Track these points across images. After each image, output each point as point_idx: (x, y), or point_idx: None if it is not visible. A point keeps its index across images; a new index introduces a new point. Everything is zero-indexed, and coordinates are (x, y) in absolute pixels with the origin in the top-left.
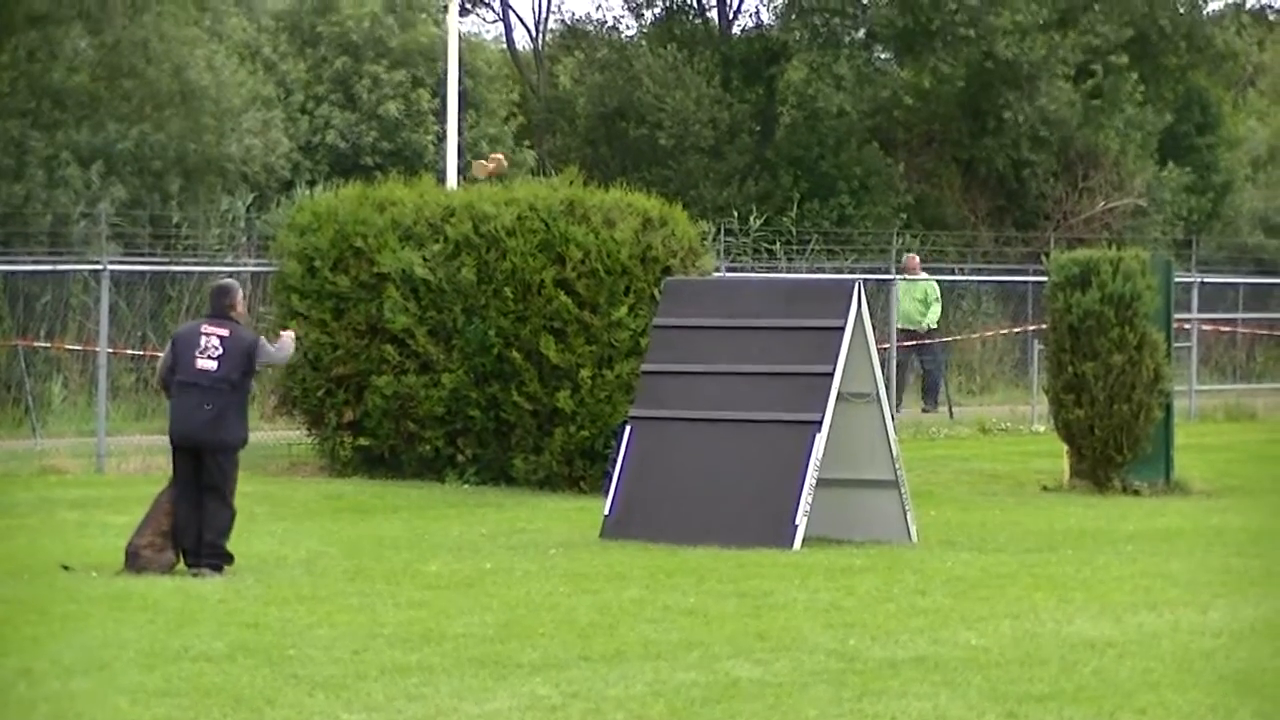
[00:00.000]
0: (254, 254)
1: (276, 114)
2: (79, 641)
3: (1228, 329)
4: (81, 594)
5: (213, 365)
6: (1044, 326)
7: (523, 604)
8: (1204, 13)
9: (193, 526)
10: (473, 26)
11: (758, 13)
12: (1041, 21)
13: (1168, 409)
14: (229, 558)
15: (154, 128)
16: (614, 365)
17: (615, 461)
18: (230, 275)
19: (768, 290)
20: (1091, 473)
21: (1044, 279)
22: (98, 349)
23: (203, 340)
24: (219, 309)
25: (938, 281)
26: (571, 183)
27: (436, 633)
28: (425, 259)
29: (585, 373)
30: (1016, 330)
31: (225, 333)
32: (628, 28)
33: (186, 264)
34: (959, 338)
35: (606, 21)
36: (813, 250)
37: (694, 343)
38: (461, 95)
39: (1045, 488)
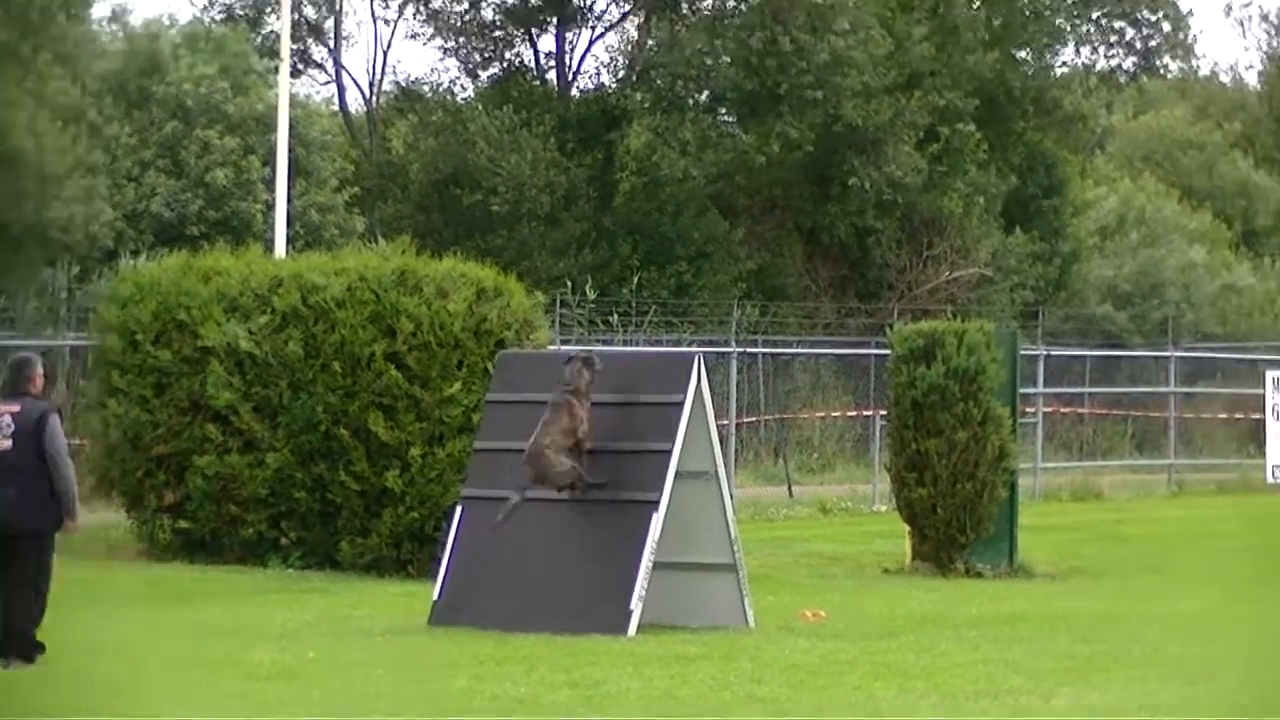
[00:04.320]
0: (74, 327)
1: (101, 181)
2: None
3: (1075, 406)
4: None
5: (7, 444)
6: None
7: (345, 695)
8: (1052, 74)
9: (4, 616)
10: (305, 88)
11: (598, 74)
12: (887, 84)
13: (1012, 488)
14: (40, 647)
15: None
16: (445, 443)
17: (445, 544)
18: (49, 349)
19: (604, 364)
20: (934, 554)
21: (887, 352)
22: None
23: None
24: (14, 385)
25: (773, 355)
26: (403, 251)
27: None
28: (251, 332)
29: (415, 451)
30: (865, 412)
31: (16, 409)
32: (463, 89)
33: (2, 338)
34: (801, 415)
35: (441, 83)
36: (651, 322)
37: (528, 419)
38: (292, 162)
39: (886, 570)
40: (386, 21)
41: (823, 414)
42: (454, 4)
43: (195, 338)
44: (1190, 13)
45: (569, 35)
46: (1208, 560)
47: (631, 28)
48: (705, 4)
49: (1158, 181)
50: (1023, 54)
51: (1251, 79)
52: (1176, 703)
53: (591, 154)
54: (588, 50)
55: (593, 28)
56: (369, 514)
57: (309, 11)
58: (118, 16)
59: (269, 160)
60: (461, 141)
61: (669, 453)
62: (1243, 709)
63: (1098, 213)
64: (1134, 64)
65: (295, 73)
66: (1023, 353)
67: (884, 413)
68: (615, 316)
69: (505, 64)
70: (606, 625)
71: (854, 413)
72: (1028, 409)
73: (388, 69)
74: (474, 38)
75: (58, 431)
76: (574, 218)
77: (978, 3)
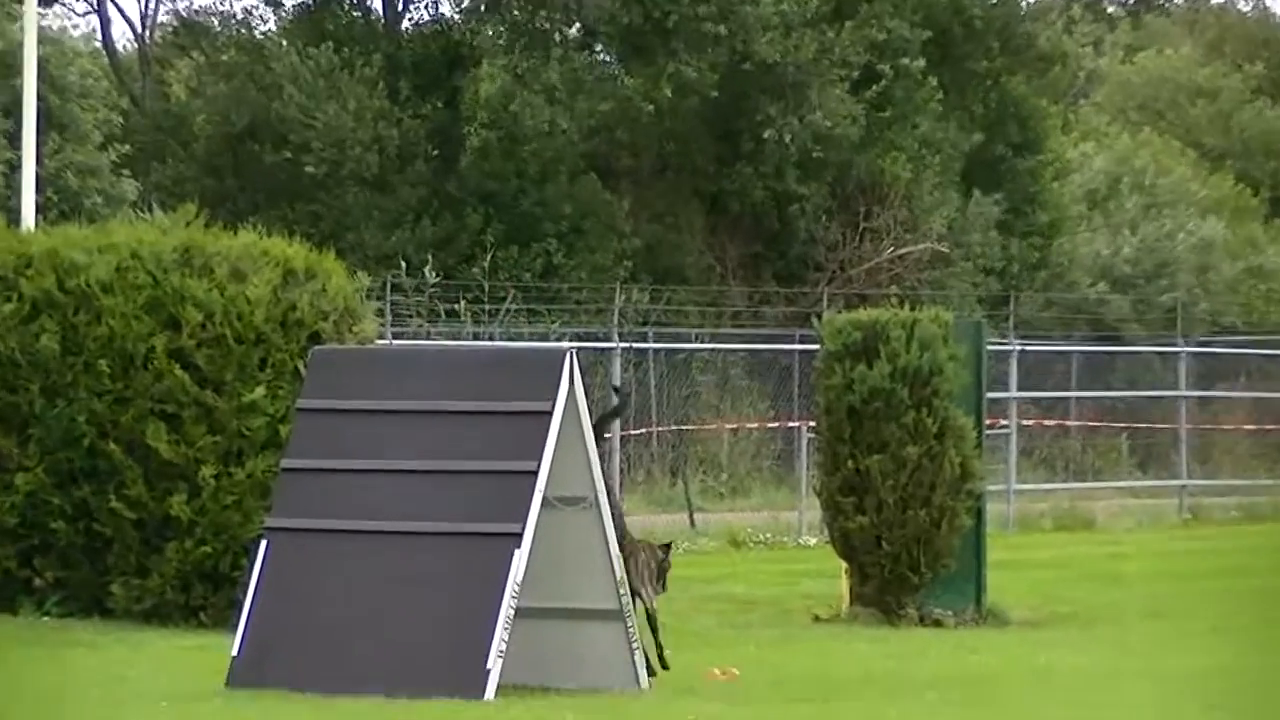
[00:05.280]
0: None
1: None
2: None
3: (1059, 414)
4: None
5: None
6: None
7: None
8: (1023, 4)
9: None
10: (59, 20)
11: (437, 3)
12: (811, 13)
13: (978, 515)
14: None
15: None
16: (245, 461)
17: (247, 586)
18: None
19: (450, 363)
20: (878, 598)
21: (814, 347)
22: None
23: None
24: None
25: (668, 352)
26: (188, 223)
27: None
28: None
29: (207, 471)
30: (789, 422)
31: None
32: (262, 20)
33: None
34: (706, 426)
35: (234, 14)
36: (509, 311)
37: (351, 432)
38: (43, 113)
39: (818, 618)
40: None
41: (733, 425)
42: None
43: None
44: None
45: None
46: (1228, 604)
47: None
48: None
49: (1161, 137)
50: None
51: (1278, 8)
52: None
53: (431, 102)
54: None
55: None
56: (148, 549)
57: None
58: None
59: (13, 111)
60: (262, 86)
61: (534, 474)
62: None
63: (1084, 175)
64: None
65: (46, 1)
66: (991, 347)
67: (812, 423)
68: (463, 304)
69: None
70: (457, 687)
71: (774, 424)
72: (1002, 421)
73: None
74: None
75: None
76: (409, 182)
77: None
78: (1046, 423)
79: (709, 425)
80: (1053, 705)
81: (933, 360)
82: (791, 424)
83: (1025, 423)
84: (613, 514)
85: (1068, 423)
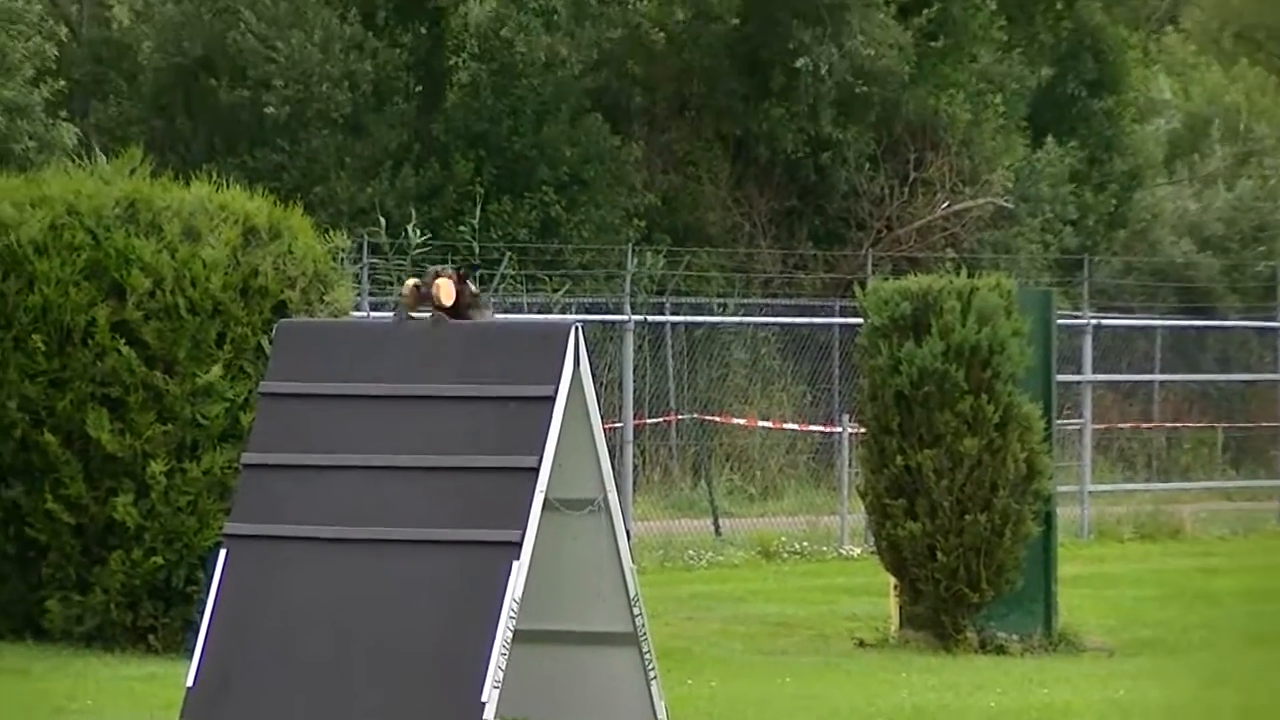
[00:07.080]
0: None
1: None
2: None
3: (1141, 401)
4: None
5: None
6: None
7: None
8: None
9: None
10: None
11: None
12: None
13: (1048, 521)
14: None
15: None
16: (200, 455)
17: (204, 604)
18: None
19: (437, 339)
20: (933, 619)
21: (858, 321)
22: None
23: None
24: None
25: (688, 326)
26: (133, 172)
27: None
28: None
29: (156, 466)
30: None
31: None
32: None
33: None
34: (735, 420)
35: None
36: (504, 277)
37: (324, 421)
38: None
39: (862, 643)
40: None
41: (768, 421)
42: None
43: None
44: None
45: None
46: None
47: None
48: None
49: (1261, 70)
50: None
51: None
52: None
53: (412, 30)
54: None
55: None
56: (89, 559)
57: None
58: None
59: None
60: (217, 11)
61: (535, 471)
62: None
63: (1169, 115)
64: None
65: None
66: (1061, 321)
67: (855, 411)
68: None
69: None
70: None
71: (815, 427)
72: (1078, 419)
73: None
74: None
75: None
76: (387, 123)
77: None
78: (1125, 424)
79: (737, 418)
80: None
81: (994, 336)
82: (834, 430)
83: (1115, 426)
84: None
85: (1149, 426)
